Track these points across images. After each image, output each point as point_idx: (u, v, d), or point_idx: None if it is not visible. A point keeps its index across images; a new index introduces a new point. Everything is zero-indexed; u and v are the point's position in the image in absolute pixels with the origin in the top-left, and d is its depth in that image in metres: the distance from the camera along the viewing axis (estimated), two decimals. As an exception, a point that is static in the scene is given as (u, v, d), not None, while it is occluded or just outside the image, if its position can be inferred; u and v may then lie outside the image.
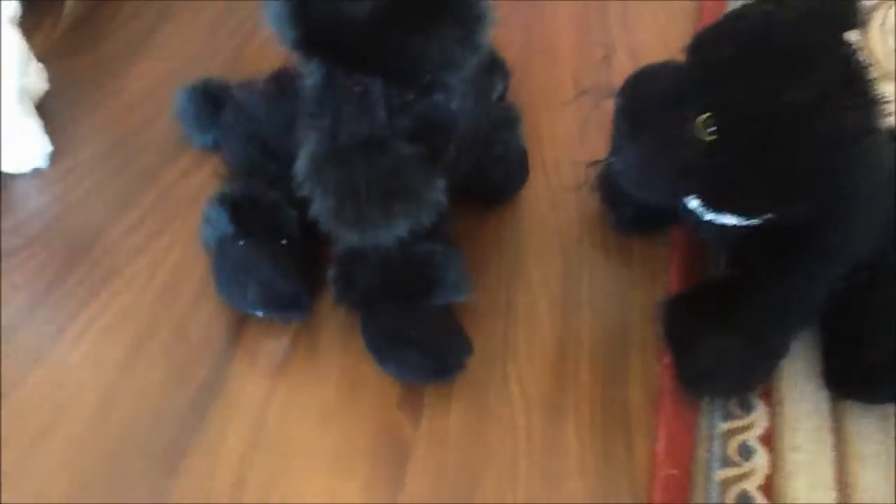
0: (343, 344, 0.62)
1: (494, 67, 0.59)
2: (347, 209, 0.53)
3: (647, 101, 0.55)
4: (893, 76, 0.87)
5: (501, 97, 0.60)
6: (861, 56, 0.51)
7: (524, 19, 0.92)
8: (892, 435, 0.57)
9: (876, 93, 0.50)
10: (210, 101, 0.72)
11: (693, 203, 0.56)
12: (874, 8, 0.96)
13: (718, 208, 0.55)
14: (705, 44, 0.54)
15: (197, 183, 0.73)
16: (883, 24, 0.95)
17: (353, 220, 0.53)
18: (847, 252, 0.58)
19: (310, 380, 0.60)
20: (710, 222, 0.57)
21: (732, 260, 0.63)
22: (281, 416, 0.58)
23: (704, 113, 0.51)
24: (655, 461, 0.55)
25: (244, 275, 0.60)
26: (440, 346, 0.58)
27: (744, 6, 0.55)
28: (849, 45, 0.51)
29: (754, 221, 0.56)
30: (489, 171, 0.67)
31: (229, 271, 0.61)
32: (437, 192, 0.54)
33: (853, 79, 0.50)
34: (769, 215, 0.55)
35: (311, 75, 0.54)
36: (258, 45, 0.87)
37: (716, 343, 0.57)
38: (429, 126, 0.54)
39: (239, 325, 0.63)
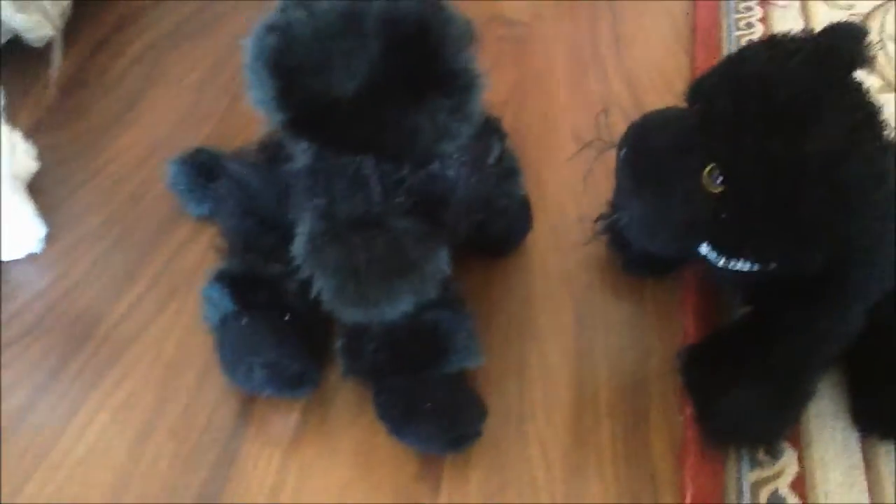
0: (355, 416, 0.60)
1: (489, 130, 0.57)
2: (349, 289, 0.52)
3: (651, 154, 0.53)
4: (894, 85, 0.86)
5: (499, 159, 0.58)
6: (871, 97, 0.50)
7: (515, 58, 0.91)
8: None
9: (887, 135, 0.49)
10: (202, 171, 0.71)
11: (705, 250, 0.55)
12: (870, 15, 0.95)
13: (731, 257, 0.54)
14: (708, 90, 0.53)
15: (196, 255, 0.72)
16: (882, 29, 0.94)
17: (355, 300, 0.52)
18: (871, 290, 0.56)
19: (323, 455, 0.59)
20: (723, 268, 0.56)
21: (749, 303, 0.62)
22: (295, 494, 0.57)
23: (710, 164, 0.50)
24: (684, 514, 0.54)
25: (249, 355, 0.59)
26: (455, 414, 0.57)
27: (744, 48, 0.53)
28: (858, 86, 0.49)
29: (770, 266, 0.54)
30: (492, 225, 0.65)
31: (233, 351, 0.60)
32: (440, 263, 0.53)
33: (864, 124, 0.49)
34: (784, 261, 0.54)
35: (301, 155, 0.53)
36: (248, 103, 0.86)
37: (741, 393, 0.55)
38: (427, 198, 0.53)
39: (247, 402, 0.62)
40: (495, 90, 0.86)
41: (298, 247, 0.53)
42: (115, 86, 0.90)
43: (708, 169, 0.50)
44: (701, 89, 0.54)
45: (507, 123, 0.80)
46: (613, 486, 0.56)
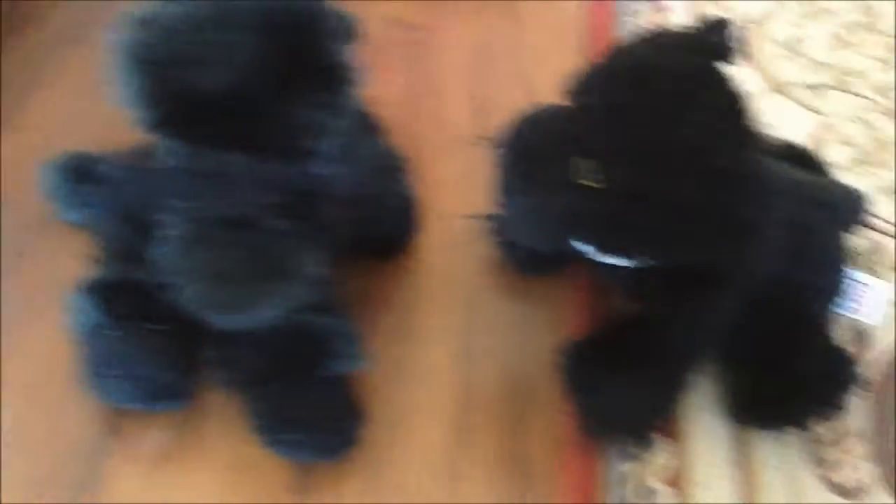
0: (230, 428, 0.58)
1: (367, 126, 0.56)
2: (219, 293, 0.50)
3: (526, 151, 0.52)
4: (781, 89, 0.87)
5: (377, 156, 0.57)
6: (738, 87, 0.50)
7: (412, 61, 0.90)
8: (793, 461, 0.56)
9: (754, 124, 0.49)
10: (77, 176, 0.68)
11: (583, 246, 0.54)
12: (759, 22, 0.97)
13: (609, 251, 0.53)
14: (585, 86, 0.52)
15: (65, 263, 0.68)
16: (773, 37, 0.95)
17: (225, 305, 0.50)
18: (743, 280, 0.56)
19: (193, 469, 0.56)
20: (605, 264, 0.55)
21: (632, 298, 0.61)
22: (162, 510, 0.54)
23: (588, 158, 0.49)
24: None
25: (118, 368, 0.56)
26: (332, 422, 0.55)
27: (619, 45, 0.53)
28: (726, 77, 0.50)
29: (646, 260, 0.54)
30: (377, 226, 0.64)
31: (100, 364, 0.56)
32: (314, 265, 0.51)
33: (732, 113, 0.49)
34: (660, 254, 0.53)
35: (171, 155, 0.51)
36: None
37: (614, 386, 0.55)
38: (302, 196, 0.51)
39: (116, 417, 0.58)
40: (391, 92, 0.85)
41: (166, 250, 0.50)
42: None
43: (587, 163, 0.49)
44: (579, 85, 0.53)
45: (401, 125, 0.80)
46: (493, 487, 0.55)
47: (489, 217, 0.65)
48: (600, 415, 0.56)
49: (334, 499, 0.55)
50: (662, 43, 0.52)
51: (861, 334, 0.64)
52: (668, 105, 0.48)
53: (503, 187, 0.54)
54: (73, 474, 0.56)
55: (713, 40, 0.51)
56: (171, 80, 0.46)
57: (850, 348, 0.62)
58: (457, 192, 0.74)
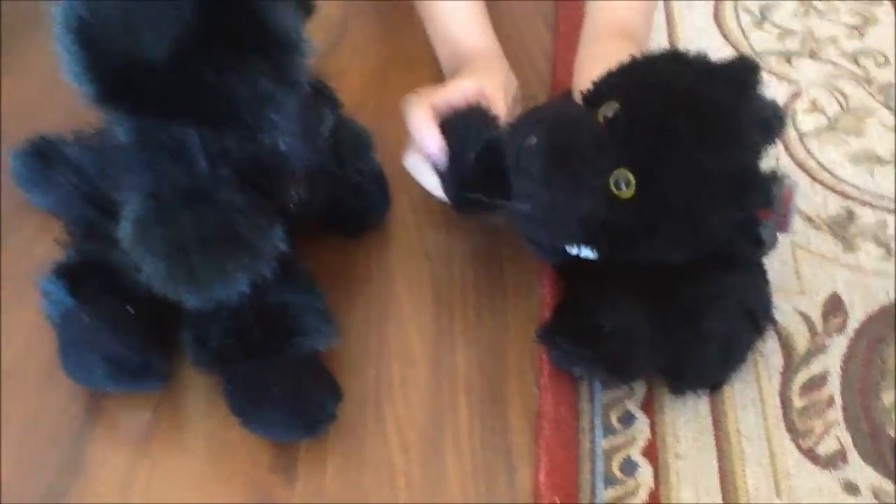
0: (208, 409, 0.58)
1: (322, 99, 0.56)
2: (179, 270, 0.49)
3: (567, 148, 0.53)
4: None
5: (335, 130, 0.57)
6: (781, 121, 0.54)
7: (382, 37, 0.90)
8: (770, 431, 0.57)
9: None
10: (43, 160, 0.67)
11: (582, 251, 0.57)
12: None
13: (612, 254, 0.55)
14: (623, 96, 0.54)
15: (43, 250, 0.68)
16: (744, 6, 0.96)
17: (186, 282, 0.50)
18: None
19: (174, 451, 0.56)
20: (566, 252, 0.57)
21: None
22: (145, 492, 0.54)
23: (621, 168, 0.51)
24: (538, 490, 0.53)
25: (90, 350, 0.55)
26: (306, 399, 0.55)
27: (652, 58, 0.56)
28: (771, 108, 0.54)
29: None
30: (346, 203, 0.64)
31: (74, 348, 0.56)
32: (275, 239, 0.51)
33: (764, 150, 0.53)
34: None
35: (120, 131, 0.50)
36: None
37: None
38: (258, 170, 0.51)
39: (96, 401, 0.59)
40: (361, 67, 0.85)
41: (124, 230, 0.50)
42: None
43: (616, 172, 0.51)
44: (610, 92, 0.55)
45: (372, 100, 0.80)
46: (470, 464, 0.55)
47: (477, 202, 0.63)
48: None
49: (316, 477, 0.55)
50: (707, 67, 0.55)
51: (834, 304, 0.65)
52: (718, 133, 0.51)
53: (531, 178, 0.54)
54: (57, 459, 0.56)
55: (747, 77, 0.54)
56: (107, 51, 0.45)
57: (826, 318, 0.63)
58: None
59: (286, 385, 0.54)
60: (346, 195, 0.62)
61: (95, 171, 0.60)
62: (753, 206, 0.53)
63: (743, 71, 0.54)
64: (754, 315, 0.58)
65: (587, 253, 0.57)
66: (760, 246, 0.56)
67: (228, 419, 0.56)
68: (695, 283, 0.57)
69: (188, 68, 0.45)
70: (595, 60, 0.64)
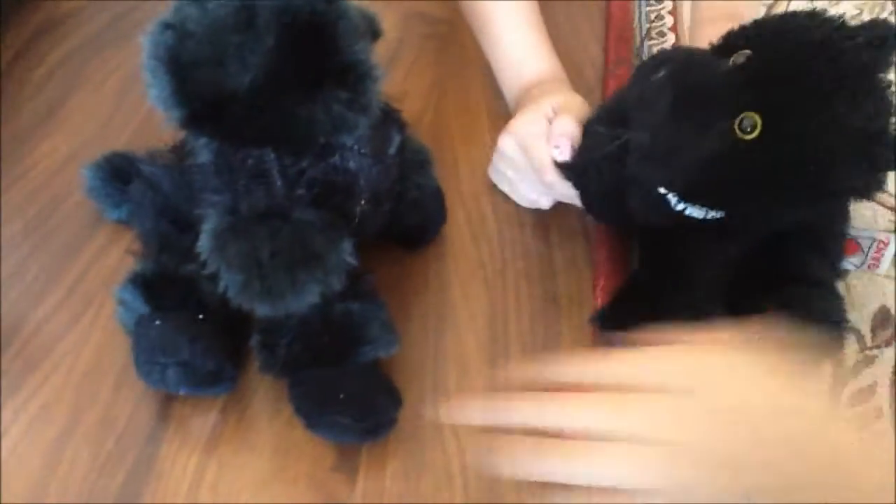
0: (273, 413, 0.61)
1: (389, 120, 0.58)
2: (254, 283, 0.52)
3: (698, 83, 0.53)
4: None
5: (401, 149, 0.59)
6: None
7: (436, 55, 0.93)
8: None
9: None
10: (117, 175, 0.71)
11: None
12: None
13: (724, 208, 0.55)
14: (761, 43, 0.53)
15: (114, 260, 0.72)
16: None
17: (260, 293, 0.53)
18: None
19: (241, 452, 0.59)
20: (671, 210, 0.56)
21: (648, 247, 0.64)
22: (214, 491, 0.57)
23: (751, 112, 0.51)
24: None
25: (163, 355, 0.59)
26: (369, 404, 0.57)
27: (792, 14, 0.55)
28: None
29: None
30: (406, 217, 0.66)
31: (147, 353, 0.59)
32: (345, 254, 0.54)
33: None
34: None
35: (202, 151, 0.54)
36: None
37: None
38: (330, 189, 0.54)
39: (166, 404, 0.62)
40: (417, 85, 0.88)
41: (204, 243, 0.53)
42: (36, 93, 0.89)
43: (744, 116, 0.51)
44: (748, 39, 0.54)
45: (428, 118, 0.83)
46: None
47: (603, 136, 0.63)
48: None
49: (378, 479, 0.57)
50: (847, 28, 0.53)
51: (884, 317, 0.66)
52: (853, 89, 0.50)
53: (656, 109, 0.54)
54: (128, 461, 0.59)
55: (886, 37, 0.53)
56: (195, 81, 0.48)
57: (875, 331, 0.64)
58: (483, 184, 0.76)
59: (351, 391, 0.57)
60: (406, 209, 0.65)
61: (171, 186, 0.63)
62: (880, 166, 0.52)
63: (882, 31, 0.53)
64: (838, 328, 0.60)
65: (693, 210, 0.56)
66: (838, 276, 0.57)
67: (293, 421, 0.59)
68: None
69: (269, 96, 0.48)
70: (707, 43, 0.65)
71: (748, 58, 0.53)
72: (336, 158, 0.53)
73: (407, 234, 0.69)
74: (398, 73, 0.89)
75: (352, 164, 0.54)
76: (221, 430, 0.60)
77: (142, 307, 0.60)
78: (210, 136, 0.52)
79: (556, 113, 0.66)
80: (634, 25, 0.93)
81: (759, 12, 0.78)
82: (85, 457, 0.59)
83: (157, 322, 0.59)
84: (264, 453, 0.59)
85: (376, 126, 0.54)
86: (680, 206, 0.56)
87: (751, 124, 0.51)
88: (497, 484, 0.56)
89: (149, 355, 0.59)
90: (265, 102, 0.49)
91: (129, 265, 0.66)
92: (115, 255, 0.72)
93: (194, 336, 0.59)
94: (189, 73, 0.48)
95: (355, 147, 0.53)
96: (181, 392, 0.60)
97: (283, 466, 0.58)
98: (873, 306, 0.66)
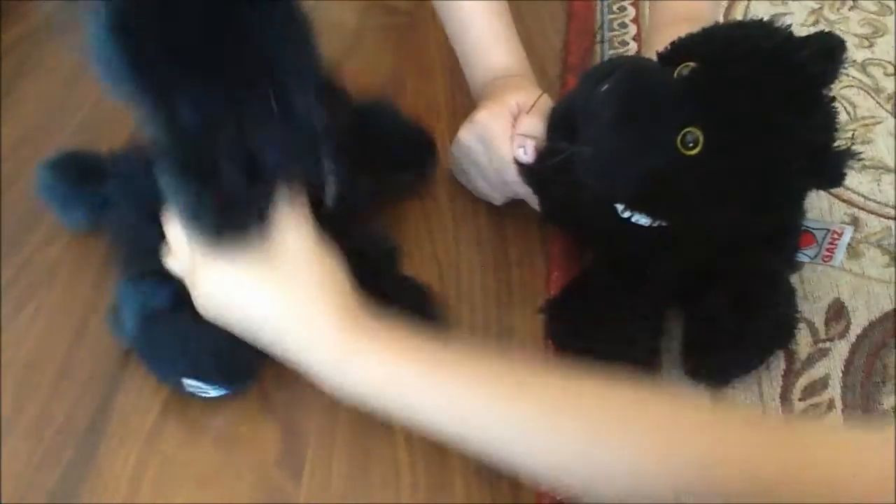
0: (217, 406, 0.59)
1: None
2: None
3: (642, 95, 0.53)
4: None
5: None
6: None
7: (396, 45, 0.91)
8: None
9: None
10: (77, 175, 0.68)
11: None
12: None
13: (668, 218, 0.55)
14: (704, 55, 0.53)
15: (58, 249, 0.70)
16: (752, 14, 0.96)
17: None
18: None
19: (184, 446, 0.58)
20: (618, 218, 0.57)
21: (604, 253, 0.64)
22: (155, 486, 0.56)
23: (693, 126, 0.51)
24: (541, 496, 0.54)
25: (195, 344, 0.57)
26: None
27: (736, 25, 0.56)
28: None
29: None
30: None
31: (168, 345, 0.58)
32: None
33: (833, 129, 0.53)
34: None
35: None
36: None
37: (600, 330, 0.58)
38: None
39: (108, 397, 0.60)
40: (376, 75, 0.87)
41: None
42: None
43: (686, 131, 0.51)
44: (689, 51, 0.54)
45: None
46: (475, 463, 0.56)
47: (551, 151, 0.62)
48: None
49: (324, 474, 0.56)
50: (792, 41, 0.54)
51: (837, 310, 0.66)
52: (799, 104, 0.51)
53: (600, 121, 0.54)
54: (66, 455, 0.57)
55: (834, 49, 0.54)
56: (148, 38, 0.47)
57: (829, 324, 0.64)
58: (441, 172, 0.75)
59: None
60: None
61: (144, 182, 0.57)
62: (828, 180, 0.52)
63: (830, 42, 0.53)
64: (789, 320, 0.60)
65: (639, 218, 0.56)
66: (791, 268, 0.58)
67: (237, 414, 0.58)
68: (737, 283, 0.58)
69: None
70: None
71: (693, 70, 0.52)
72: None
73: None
74: (358, 61, 0.88)
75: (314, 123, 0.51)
76: (163, 425, 0.59)
77: (164, 299, 0.58)
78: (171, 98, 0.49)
79: (520, 109, 0.65)
80: (596, 30, 0.93)
81: (715, 11, 0.77)
82: (22, 452, 0.57)
83: (185, 312, 0.56)
84: (207, 447, 0.58)
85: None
86: (626, 214, 0.57)
87: (693, 140, 0.51)
88: (445, 479, 0.55)
89: (172, 347, 0.58)
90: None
91: (73, 259, 0.64)
92: (60, 245, 0.70)
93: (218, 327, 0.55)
94: (140, 31, 0.46)
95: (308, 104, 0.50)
96: (213, 386, 0.58)
97: (227, 460, 0.57)
98: (827, 299, 0.66)
